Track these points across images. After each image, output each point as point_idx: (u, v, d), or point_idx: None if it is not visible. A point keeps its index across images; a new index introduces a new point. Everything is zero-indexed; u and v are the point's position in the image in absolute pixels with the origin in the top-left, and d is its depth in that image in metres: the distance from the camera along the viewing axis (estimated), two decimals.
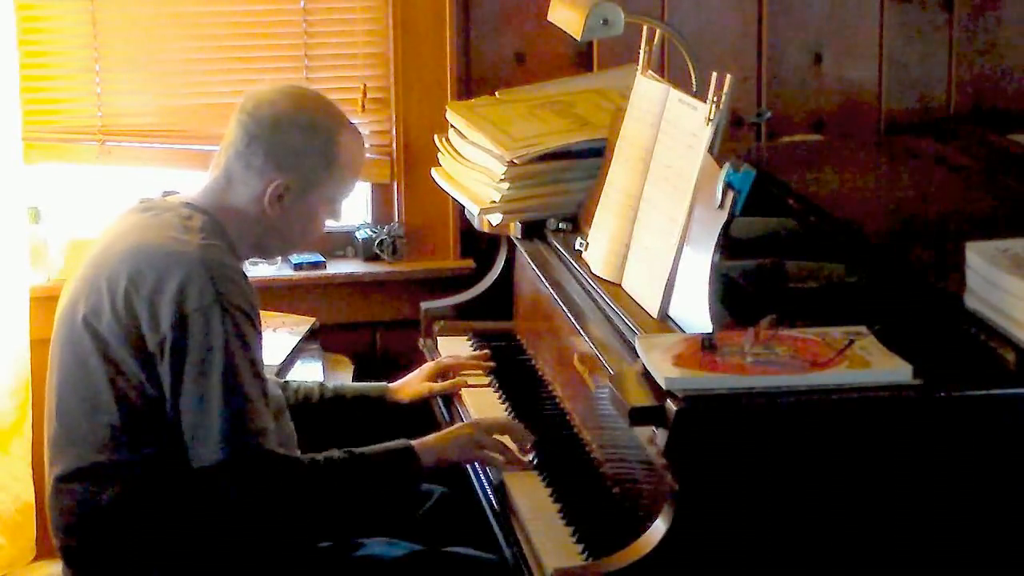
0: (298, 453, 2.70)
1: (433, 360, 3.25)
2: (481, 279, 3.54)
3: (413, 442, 2.71)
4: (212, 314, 2.51)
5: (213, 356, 2.50)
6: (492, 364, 3.19)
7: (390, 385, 3.13)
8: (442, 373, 3.16)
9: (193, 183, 2.79)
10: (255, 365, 2.57)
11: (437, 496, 2.93)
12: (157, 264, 2.56)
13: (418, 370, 3.18)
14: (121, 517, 2.59)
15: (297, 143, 2.67)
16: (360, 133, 2.79)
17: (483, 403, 3.04)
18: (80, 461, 2.61)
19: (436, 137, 3.50)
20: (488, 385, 3.13)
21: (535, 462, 2.72)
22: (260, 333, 2.62)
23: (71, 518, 2.64)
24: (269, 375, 3.03)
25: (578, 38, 3.15)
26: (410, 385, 3.13)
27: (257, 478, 2.53)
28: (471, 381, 3.13)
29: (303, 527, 2.66)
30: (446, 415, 3.08)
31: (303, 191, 2.69)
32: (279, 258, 3.78)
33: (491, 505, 2.67)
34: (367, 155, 3.81)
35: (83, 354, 2.60)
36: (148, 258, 2.58)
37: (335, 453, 2.63)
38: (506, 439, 2.77)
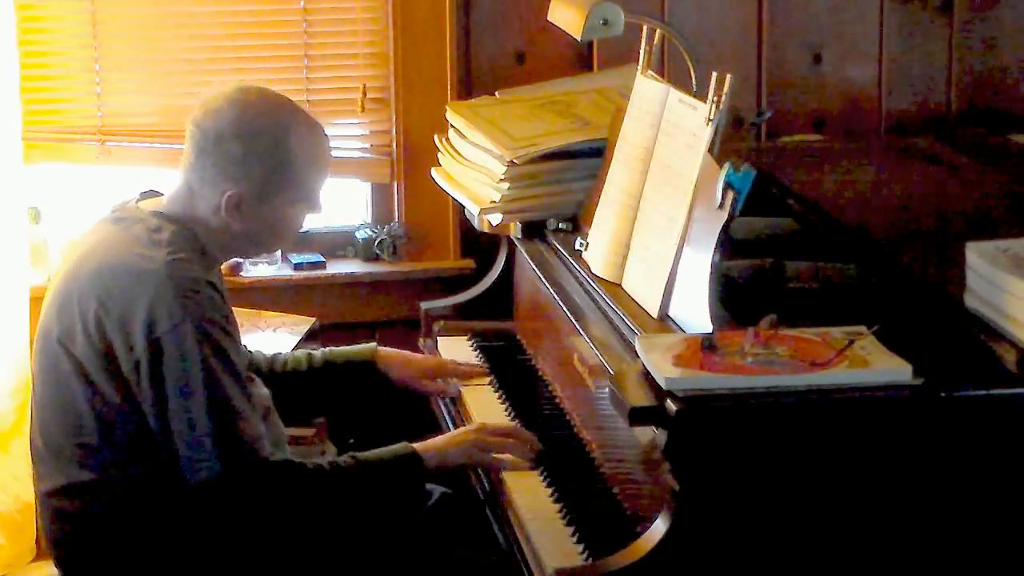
0: (288, 452, 2.69)
1: (438, 357, 3.22)
2: (481, 279, 3.54)
3: (416, 445, 2.70)
4: (185, 332, 2.50)
5: (193, 374, 2.49)
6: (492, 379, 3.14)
7: (380, 349, 3.08)
8: (441, 374, 3.14)
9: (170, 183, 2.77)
10: (236, 374, 2.56)
11: (437, 496, 2.93)
12: (124, 285, 2.54)
13: (422, 357, 3.15)
14: (110, 531, 2.59)
15: (241, 153, 2.61)
16: (317, 127, 2.70)
17: (483, 403, 3.03)
18: (65, 478, 2.61)
19: (436, 137, 3.50)
20: (488, 385, 3.12)
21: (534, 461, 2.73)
22: (235, 340, 2.61)
23: (61, 531, 2.65)
24: (256, 351, 3.04)
25: (578, 38, 3.15)
26: (408, 367, 3.08)
27: (257, 488, 2.53)
28: (474, 384, 3.09)
29: (306, 534, 2.65)
30: (446, 415, 3.08)
31: (260, 198, 2.64)
32: (271, 256, 3.78)
33: (491, 505, 2.67)
34: (367, 155, 3.86)
35: (61, 375, 2.59)
36: (116, 279, 2.56)
37: (342, 458, 2.62)
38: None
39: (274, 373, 2.99)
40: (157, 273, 2.54)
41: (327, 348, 3.14)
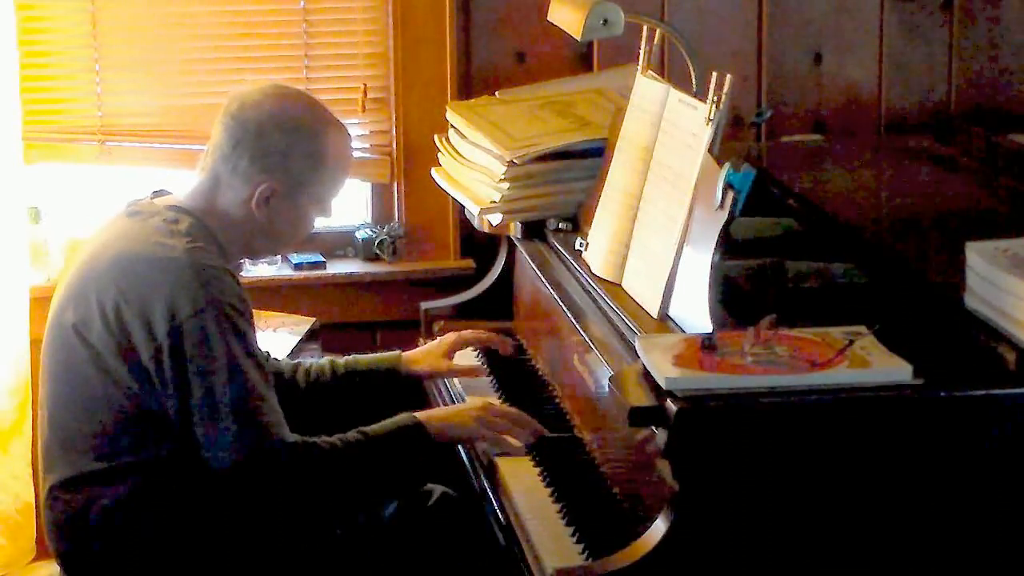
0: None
1: (452, 333, 3.20)
2: (481, 279, 3.54)
3: (420, 416, 2.70)
4: (207, 318, 2.51)
5: (216, 359, 2.51)
6: (511, 345, 3.16)
7: (404, 354, 3.08)
8: (462, 345, 3.13)
9: (184, 182, 2.79)
10: (256, 358, 2.58)
11: (437, 496, 2.93)
12: (145, 273, 2.56)
13: (437, 342, 3.14)
14: (118, 522, 2.58)
15: (282, 145, 2.66)
16: (347, 131, 2.78)
17: None
18: (75, 469, 2.61)
19: (436, 137, 3.50)
20: (488, 385, 3.12)
21: (533, 452, 2.73)
22: (254, 328, 2.63)
23: (67, 524, 2.64)
24: (282, 359, 3.05)
25: (578, 38, 3.15)
26: (430, 357, 3.08)
27: (280, 471, 2.54)
28: (486, 378, 3.10)
29: (323, 512, 2.66)
30: (439, 399, 3.08)
31: (290, 192, 2.68)
32: (273, 257, 3.78)
33: (491, 505, 2.67)
34: (367, 155, 3.86)
35: (75, 362, 2.60)
36: (135, 267, 2.58)
37: (349, 435, 2.63)
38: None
39: (296, 381, 2.98)
40: (178, 260, 2.56)
41: (351, 356, 3.11)
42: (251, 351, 2.57)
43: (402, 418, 2.70)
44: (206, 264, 2.57)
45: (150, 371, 2.54)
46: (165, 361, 2.52)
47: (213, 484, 2.54)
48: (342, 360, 3.07)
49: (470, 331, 3.19)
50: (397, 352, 3.10)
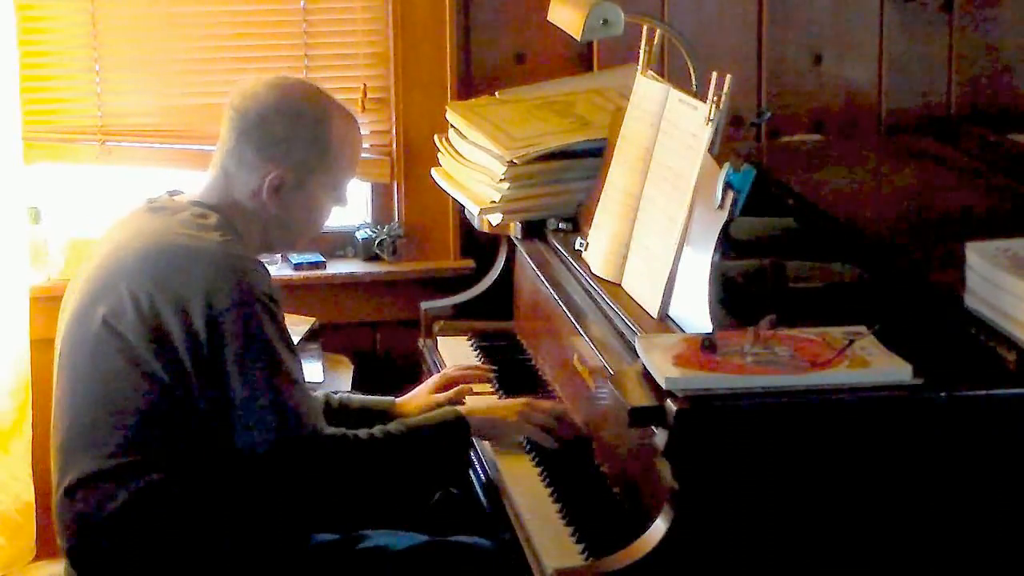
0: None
1: (437, 371, 3.21)
2: (481, 279, 3.54)
3: (462, 409, 2.73)
4: (244, 309, 2.53)
5: (254, 349, 2.52)
6: (494, 379, 3.14)
7: (397, 400, 3.07)
8: (447, 384, 3.12)
9: (195, 182, 2.80)
10: (292, 347, 2.61)
11: (438, 495, 2.93)
12: (180, 265, 2.57)
13: (423, 384, 3.14)
14: (133, 518, 2.57)
15: (284, 133, 2.68)
16: (353, 117, 2.78)
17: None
18: (97, 464, 2.58)
19: (436, 137, 3.50)
20: (488, 385, 3.12)
21: (533, 452, 2.73)
22: (284, 318, 2.65)
23: (83, 520, 2.61)
24: None
25: (578, 38, 3.15)
26: (417, 398, 3.07)
27: (315, 460, 2.55)
28: (476, 390, 3.08)
29: (359, 503, 2.67)
30: None
31: (300, 180, 2.70)
32: (281, 254, 3.78)
33: (491, 505, 2.67)
34: (367, 155, 3.85)
35: (103, 355, 2.59)
36: (170, 259, 2.59)
37: (391, 426, 2.65)
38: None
39: None
40: (213, 252, 2.58)
41: (346, 394, 3.10)
42: (287, 340, 2.59)
43: (444, 411, 2.73)
44: (240, 256, 2.60)
45: (185, 363, 2.53)
46: (203, 353, 2.52)
47: (233, 480, 2.54)
48: (337, 395, 3.05)
49: (453, 368, 3.17)
50: (391, 398, 3.06)
